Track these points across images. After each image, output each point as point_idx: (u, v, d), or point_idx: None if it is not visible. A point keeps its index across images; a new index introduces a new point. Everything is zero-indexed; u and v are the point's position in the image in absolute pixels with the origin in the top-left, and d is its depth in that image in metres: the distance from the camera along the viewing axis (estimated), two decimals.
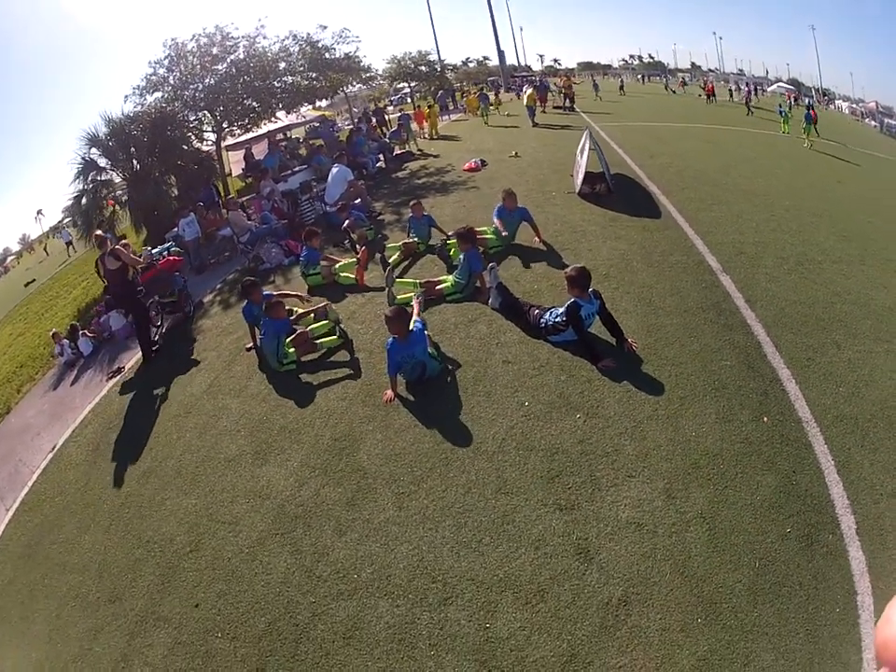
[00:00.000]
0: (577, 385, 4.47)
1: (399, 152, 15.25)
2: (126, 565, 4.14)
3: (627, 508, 3.39)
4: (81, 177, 11.76)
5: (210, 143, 15.12)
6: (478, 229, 6.76)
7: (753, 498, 3.35)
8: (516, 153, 12.91)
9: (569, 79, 24.95)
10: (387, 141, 15.28)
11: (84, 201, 11.82)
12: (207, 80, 14.09)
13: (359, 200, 10.01)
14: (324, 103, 21.03)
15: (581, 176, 8.74)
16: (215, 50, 14.13)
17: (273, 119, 16.41)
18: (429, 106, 19.27)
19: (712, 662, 2.57)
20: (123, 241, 8.44)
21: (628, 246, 6.75)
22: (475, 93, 23.66)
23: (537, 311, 5.21)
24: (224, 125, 14.79)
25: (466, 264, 5.98)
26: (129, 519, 4.56)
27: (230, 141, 15.91)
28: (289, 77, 15.33)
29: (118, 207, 12.66)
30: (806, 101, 33.23)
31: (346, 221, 8.40)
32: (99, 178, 12.02)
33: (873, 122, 33.58)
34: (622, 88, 34.47)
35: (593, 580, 3.03)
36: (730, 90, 34.88)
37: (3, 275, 38.33)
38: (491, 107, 21.67)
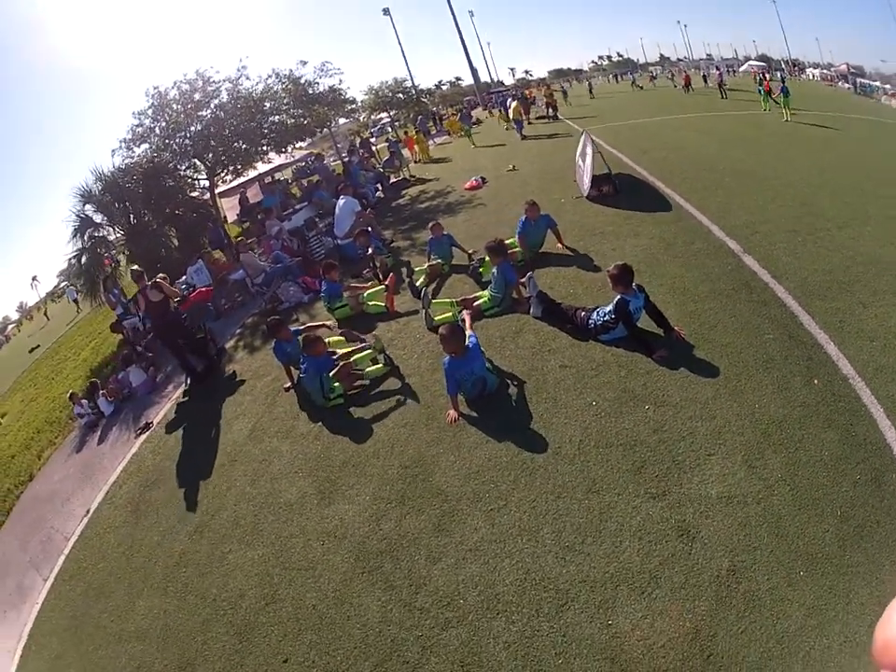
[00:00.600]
0: (638, 379, 4.44)
1: (394, 180, 15.32)
2: (193, 627, 3.81)
3: (714, 484, 3.42)
4: (78, 235, 11.51)
5: (203, 190, 15.00)
6: (507, 241, 6.67)
7: (822, 455, 3.46)
8: (513, 167, 12.97)
9: (549, 88, 25.32)
10: (382, 170, 15.35)
11: (84, 259, 11.53)
12: (193, 127, 13.86)
13: (369, 229, 9.99)
14: (305, 143, 21.12)
15: (588, 179, 8.78)
16: (197, 96, 13.93)
17: (264, 160, 16.32)
18: (416, 132, 19.49)
19: (818, 607, 2.67)
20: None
21: (649, 241, 6.76)
22: (454, 115, 23.47)
23: (583, 312, 5.15)
24: (216, 170, 14.64)
25: (500, 277, 5.89)
26: (188, 578, 4.24)
27: (221, 187, 15.85)
28: (276, 116, 15.28)
29: (116, 264, 12.39)
30: (778, 75, 33.90)
31: (369, 250, 8.34)
32: (97, 234, 11.77)
33: (846, 85, 33.95)
34: (590, 90, 34.43)
35: (699, 557, 3.02)
36: (703, 76, 35.40)
37: (4, 344, 37.92)
38: (475, 126, 21.60)
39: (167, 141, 13.76)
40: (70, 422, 8.97)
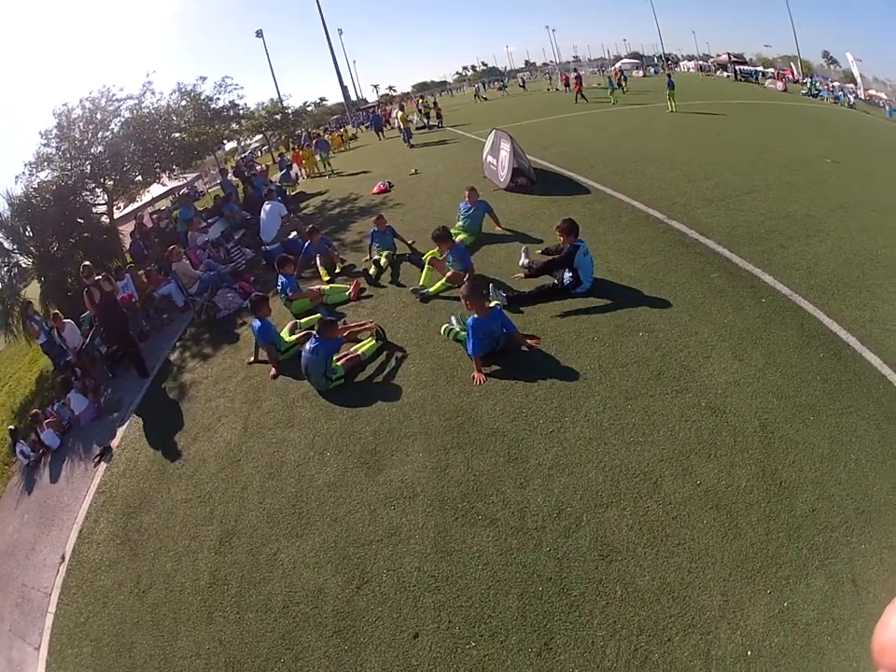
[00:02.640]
0: (624, 315, 5.08)
1: (292, 193, 14.68)
2: (271, 647, 3.14)
3: (720, 375, 4.11)
4: None
5: (103, 214, 13.04)
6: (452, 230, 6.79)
7: (788, 345, 4.35)
8: (415, 170, 12.97)
9: (424, 100, 26.13)
10: (280, 184, 14.63)
11: None
12: (94, 149, 12.19)
13: (295, 233, 9.49)
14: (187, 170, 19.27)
15: (505, 172, 9.31)
16: (99, 116, 12.24)
17: (161, 180, 14.79)
18: (304, 147, 18.80)
19: (834, 435, 3.46)
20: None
21: (582, 217, 7.28)
22: (314, 140, 20.17)
23: (555, 281, 5.56)
24: (114, 196, 12.99)
25: (457, 262, 6.06)
26: (235, 596, 3.54)
27: (116, 214, 13.91)
28: (178, 133, 13.85)
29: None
30: (651, 70, 36.62)
31: (327, 249, 7.98)
32: (9, 262, 10.04)
33: (725, 73, 35.80)
34: (476, 96, 34.85)
35: (735, 423, 3.66)
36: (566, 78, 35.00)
37: None
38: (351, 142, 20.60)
39: (71, 164, 12.04)
40: (6, 466, 7.20)
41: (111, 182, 12.73)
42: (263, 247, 9.17)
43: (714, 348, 4.41)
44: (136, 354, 7.38)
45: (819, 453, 3.31)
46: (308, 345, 5.10)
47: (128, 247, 13.28)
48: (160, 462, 5.31)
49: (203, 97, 14.68)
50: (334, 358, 5.11)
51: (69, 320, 8.08)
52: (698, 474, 3.31)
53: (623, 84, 24.81)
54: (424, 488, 3.75)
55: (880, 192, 8.38)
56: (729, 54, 39.97)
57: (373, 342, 5.43)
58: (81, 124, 12.17)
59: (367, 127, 31.03)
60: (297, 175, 15.74)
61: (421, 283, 6.33)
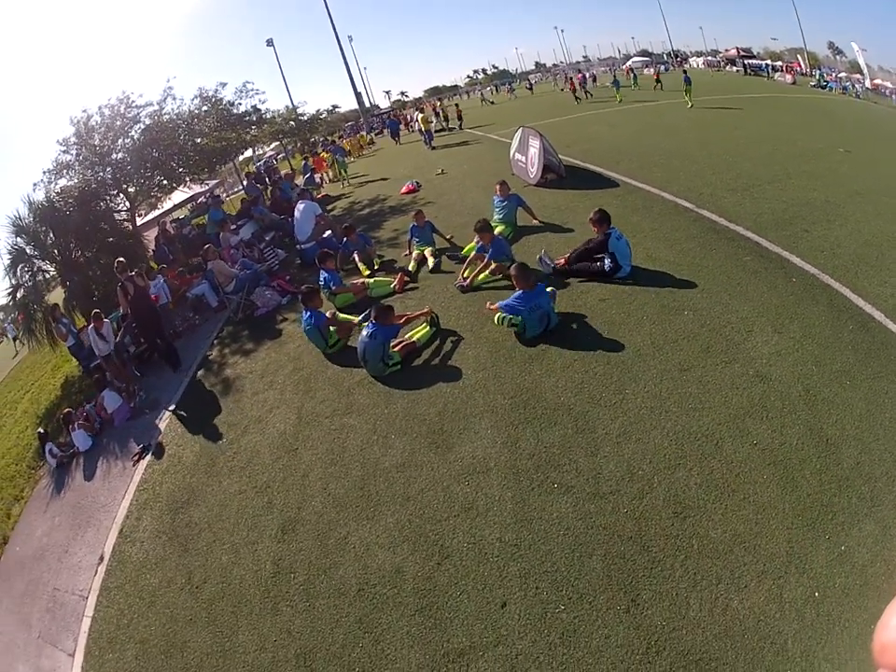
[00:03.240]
0: (667, 297, 5.23)
1: (318, 196, 14.82)
2: (347, 634, 3.03)
3: (763, 347, 4.31)
4: (13, 269, 9.83)
5: (127, 220, 13.08)
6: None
7: (820, 319, 4.56)
8: (442, 170, 13.10)
9: (441, 103, 26.11)
10: (305, 188, 14.74)
11: (20, 294, 9.85)
12: (115, 156, 12.11)
13: (329, 231, 9.58)
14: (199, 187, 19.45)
15: (535, 168, 9.42)
16: (119, 123, 12.21)
17: (186, 185, 14.80)
18: (327, 153, 18.90)
19: (870, 396, 3.65)
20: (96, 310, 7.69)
21: (615, 209, 7.33)
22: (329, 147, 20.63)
23: (598, 263, 5.67)
24: (136, 202, 12.95)
25: (500, 254, 6.14)
26: (303, 584, 3.43)
27: (139, 220, 14.02)
28: (199, 139, 13.73)
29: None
30: (661, 68, 34.45)
31: (365, 246, 8.05)
32: (33, 268, 10.02)
33: (734, 68, 34.88)
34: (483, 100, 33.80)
35: (781, 388, 3.86)
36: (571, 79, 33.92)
37: None
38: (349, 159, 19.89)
39: (91, 170, 11.97)
40: (33, 471, 7.09)
41: (133, 188, 12.68)
42: (298, 246, 9.22)
43: (755, 323, 4.57)
44: (169, 347, 7.45)
45: (857, 412, 3.50)
46: (365, 332, 5.14)
47: (152, 253, 13.36)
48: (207, 456, 5.23)
49: (224, 102, 14.70)
50: (391, 345, 5.15)
51: (107, 319, 8.12)
52: (754, 435, 3.46)
53: (634, 82, 25.01)
54: (496, 462, 3.78)
55: (891, 179, 8.48)
56: (738, 48, 39.43)
57: (427, 328, 5.46)
58: (101, 131, 12.12)
59: (377, 133, 31.01)
60: (321, 178, 15.83)
61: (463, 276, 6.36)
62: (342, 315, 6.17)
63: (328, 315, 5.97)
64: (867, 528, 2.78)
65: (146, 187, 13.17)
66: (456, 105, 27.26)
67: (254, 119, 15.97)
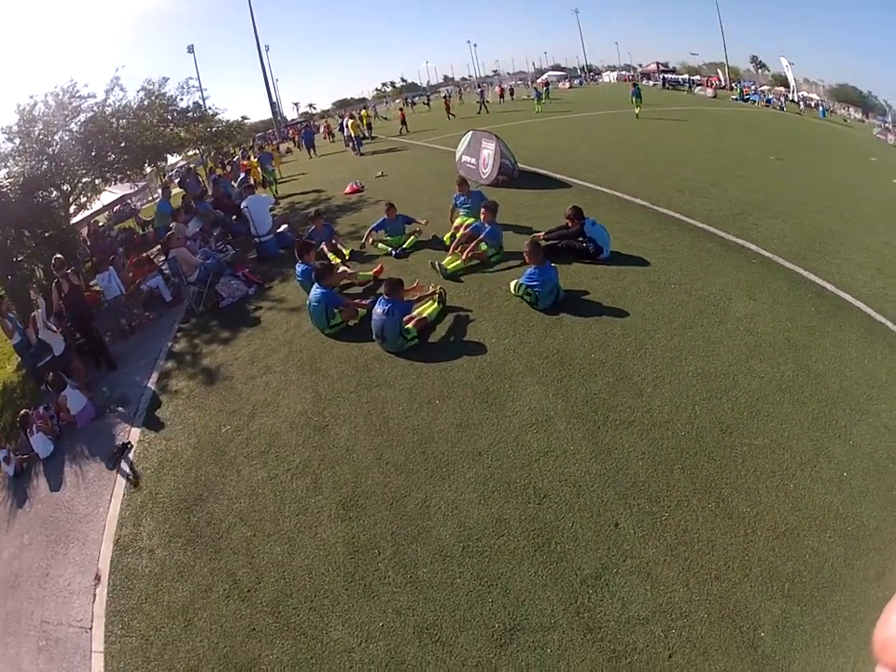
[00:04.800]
0: (652, 273, 5.74)
1: None
2: (468, 591, 2.86)
3: (742, 309, 4.95)
4: None
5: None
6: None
7: (783, 289, 5.32)
8: (382, 173, 12.93)
9: (367, 111, 25.55)
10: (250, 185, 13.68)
11: None
12: (51, 149, 10.53)
13: (286, 226, 9.05)
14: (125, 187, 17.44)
15: (491, 168, 9.72)
16: (59, 114, 10.74)
17: (113, 186, 13.28)
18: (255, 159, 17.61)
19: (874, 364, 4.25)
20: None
21: (577, 205, 8.04)
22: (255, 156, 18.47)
23: (584, 244, 6.13)
24: (69, 199, 11.30)
25: (494, 241, 6.38)
26: (394, 557, 3.16)
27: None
28: (146, 132, 12.29)
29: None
30: (576, 82, 35.85)
31: (331, 236, 7.64)
32: None
33: (651, 82, 35.92)
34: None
35: (770, 341, 4.49)
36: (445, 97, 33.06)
37: None
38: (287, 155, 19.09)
39: (34, 159, 10.39)
40: None
41: (67, 186, 11.23)
42: (256, 239, 8.52)
43: (732, 293, 5.28)
44: (102, 347, 6.95)
45: (831, 353, 4.30)
46: (379, 308, 4.95)
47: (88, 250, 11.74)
48: (211, 446, 4.61)
49: (167, 96, 13.31)
50: (405, 321, 5.02)
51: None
52: (758, 371, 4.08)
53: (547, 95, 25.59)
54: (556, 411, 3.89)
55: (821, 182, 10.25)
56: (657, 63, 42.08)
57: (436, 304, 5.40)
58: (43, 120, 10.71)
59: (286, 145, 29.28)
60: (253, 181, 14.74)
61: (444, 263, 6.33)
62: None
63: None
64: (863, 429, 3.51)
65: (78, 186, 11.65)
66: (401, 110, 27.40)
67: (196, 115, 14.55)
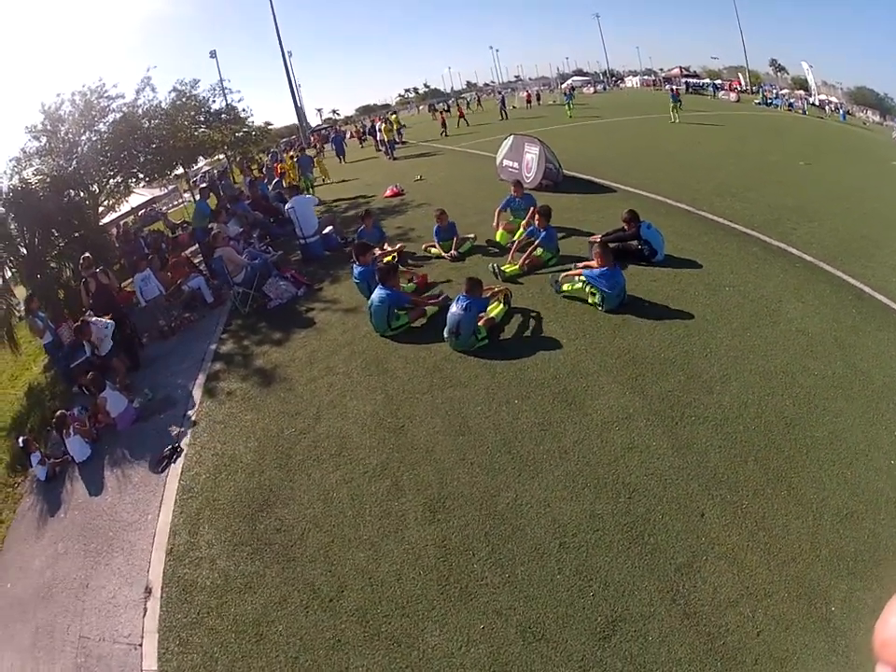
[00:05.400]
0: (706, 276, 6.01)
1: None
2: (568, 587, 2.95)
3: (792, 310, 5.27)
4: None
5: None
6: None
7: (826, 292, 5.68)
8: (420, 177, 13.20)
9: (396, 116, 25.52)
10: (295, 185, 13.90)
11: None
12: (79, 149, 10.71)
13: (330, 227, 9.28)
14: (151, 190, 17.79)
15: (534, 172, 9.94)
16: (87, 114, 10.94)
17: (143, 188, 13.59)
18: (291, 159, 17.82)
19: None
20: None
21: (625, 209, 8.14)
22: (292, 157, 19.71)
23: (638, 246, 6.35)
24: (99, 199, 11.50)
25: (550, 244, 6.58)
26: (490, 557, 3.20)
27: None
28: (179, 133, 12.50)
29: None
30: (600, 87, 35.44)
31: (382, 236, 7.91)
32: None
33: (674, 87, 32.71)
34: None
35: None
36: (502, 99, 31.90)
37: None
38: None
39: (62, 159, 10.61)
40: (10, 489, 5.76)
41: (95, 187, 11.47)
42: (301, 240, 8.75)
43: (782, 296, 5.53)
44: (130, 346, 7.11)
45: (873, 352, 4.60)
46: (456, 306, 5.12)
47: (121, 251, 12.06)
48: (275, 450, 4.62)
49: (199, 98, 13.60)
50: (481, 317, 5.20)
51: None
52: (812, 370, 4.36)
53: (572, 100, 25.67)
54: (634, 409, 4.08)
55: (849, 187, 10.51)
56: (680, 68, 41.56)
57: (502, 306, 5.56)
58: (69, 120, 10.88)
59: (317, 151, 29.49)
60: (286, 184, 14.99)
61: (503, 267, 6.52)
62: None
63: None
64: None
65: (107, 187, 11.83)
66: (441, 112, 28.29)
67: (230, 117, 14.82)
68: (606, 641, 2.69)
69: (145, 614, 3.55)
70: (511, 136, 11.13)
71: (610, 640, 2.70)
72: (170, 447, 5.14)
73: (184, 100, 13.08)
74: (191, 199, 19.24)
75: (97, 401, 5.89)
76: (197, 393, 6.01)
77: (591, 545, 3.16)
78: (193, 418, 5.55)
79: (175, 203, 21.07)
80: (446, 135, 23.29)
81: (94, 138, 11.21)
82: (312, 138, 30.04)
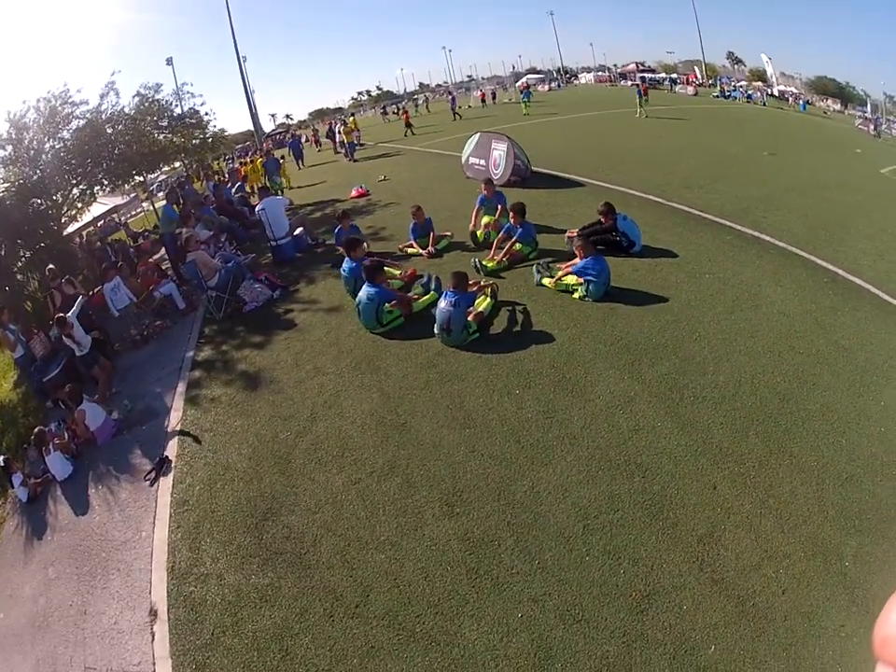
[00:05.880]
0: (688, 265, 6.27)
1: (254, 204, 13.73)
2: (599, 566, 3.01)
3: (772, 294, 5.57)
4: None
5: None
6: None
7: (802, 275, 6.04)
8: (384, 177, 13.14)
9: (353, 119, 25.31)
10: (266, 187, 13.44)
11: None
12: (43, 157, 10.24)
13: (301, 228, 9.09)
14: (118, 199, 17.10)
15: (503, 169, 10.06)
16: (50, 122, 10.49)
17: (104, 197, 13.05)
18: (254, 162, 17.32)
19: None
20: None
21: (594, 203, 8.16)
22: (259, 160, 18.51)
23: (616, 238, 6.55)
24: (64, 209, 11.00)
25: (530, 235, 6.71)
26: (516, 547, 3.21)
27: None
28: (144, 138, 12.17)
29: None
30: (555, 84, 36.01)
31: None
32: None
33: (629, 82, 35.55)
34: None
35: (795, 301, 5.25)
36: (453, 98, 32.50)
37: None
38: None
39: (27, 168, 10.25)
40: None
41: (58, 196, 10.97)
42: (272, 243, 8.53)
43: (760, 280, 5.83)
44: (104, 352, 6.92)
45: (852, 330, 4.94)
46: (444, 302, 5.13)
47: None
48: (271, 455, 4.48)
49: (162, 103, 13.16)
50: (470, 312, 5.23)
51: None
52: (798, 348, 4.66)
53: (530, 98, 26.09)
54: (635, 392, 4.22)
55: (814, 175, 11.14)
56: (636, 63, 42.54)
57: (489, 300, 5.62)
58: (34, 128, 10.42)
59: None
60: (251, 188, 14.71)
61: (484, 262, 6.60)
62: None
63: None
64: (890, 392, 4.09)
65: (70, 196, 11.39)
66: (406, 112, 28.04)
67: (193, 121, 14.30)
68: (643, 615, 2.77)
69: (153, 639, 3.35)
70: (478, 133, 11.28)
71: (647, 613, 2.78)
72: (157, 459, 4.91)
73: (147, 104, 12.65)
74: (150, 208, 18.73)
75: (75, 415, 5.57)
76: (179, 402, 5.78)
77: (614, 525, 3.24)
78: (179, 428, 5.32)
79: (134, 212, 20.32)
80: (413, 134, 23.31)
81: (58, 146, 10.84)
82: (264, 144, 29.24)
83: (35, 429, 5.68)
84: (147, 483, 4.74)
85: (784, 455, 3.55)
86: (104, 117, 11.56)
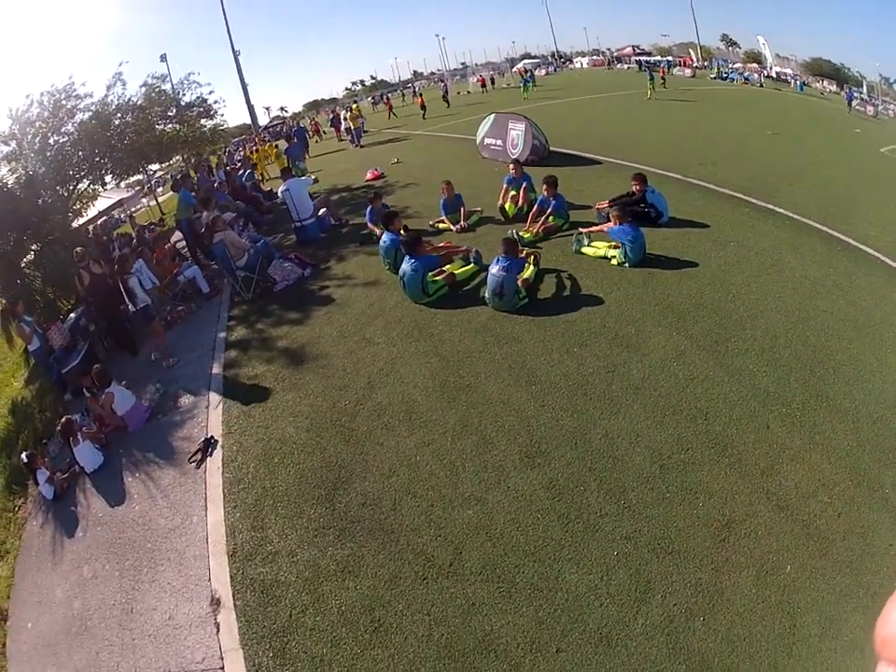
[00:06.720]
0: (712, 233, 6.75)
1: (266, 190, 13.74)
2: (686, 499, 3.33)
3: (793, 261, 6.11)
4: None
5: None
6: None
7: (818, 244, 6.62)
8: (397, 160, 13.30)
9: (357, 105, 25.21)
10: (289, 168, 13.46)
11: None
12: (48, 154, 10.09)
13: (325, 209, 9.25)
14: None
15: (521, 148, 10.33)
16: (54, 117, 10.36)
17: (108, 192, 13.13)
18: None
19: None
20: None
21: (616, 179, 8.68)
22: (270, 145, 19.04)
23: (645, 209, 6.91)
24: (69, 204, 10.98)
25: (562, 208, 7.11)
26: (603, 488, 3.45)
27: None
28: (158, 127, 12.20)
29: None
30: (552, 69, 36.11)
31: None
32: None
33: (626, 66, 36.48)
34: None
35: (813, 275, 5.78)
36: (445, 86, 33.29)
37: None
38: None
39: (31, 163, 10.13)
40: (10, 514, 5.31)
41: (64, 192, 10.93)
42: (296, 224, 8.68)
43: (780, 248, 6.33)
44: (126, 332, 7.35)
45: (867, 291, 5.50)
46: (497, 267, 5.43)
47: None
48: (332, 425, 4.54)
49: (169, 92, 13.10)
50: (518, 278, 5.51)
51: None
52: (822, 308, 5.14)
53: (533, 83, 27.02)
54: (685, 346, 4.64)
55: (817, 154, 11.81)
56: (633, 47, 43.03)
57: (532, 267, 5.87)
58: (37, 124, 10.30)
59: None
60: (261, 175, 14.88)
61: (521, 233, 6.92)
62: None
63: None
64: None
65: (76, 190, 11.40)
66: (421, 95, 28.12)
67: (201, 110, 14.17)
68: (724, 543, 3.10)
69: (217, 630, 3.18)
70: (493, 114, 11.50)
71: (728, 541, 3.10)
72: (203, 440, 4.84)
73: (154, 94, 12.57)
74: (152, 202, 19.21)
75: (103, 397, 5.46)
76: (217, 382, 5.81)
77: (687, 463, 3.59)
78: (221, 407, 5.35)
79: (135, 207, 20.39)
80: (424, 118, 23.75)
81: (63, 140, 10.71)
82: (257, 138, 28.84)
83: (62, 419, 5.56)
84: (193, 465, 4.68)
85: (822, 398, 4.00)
86: (111, 108, 11.50)
